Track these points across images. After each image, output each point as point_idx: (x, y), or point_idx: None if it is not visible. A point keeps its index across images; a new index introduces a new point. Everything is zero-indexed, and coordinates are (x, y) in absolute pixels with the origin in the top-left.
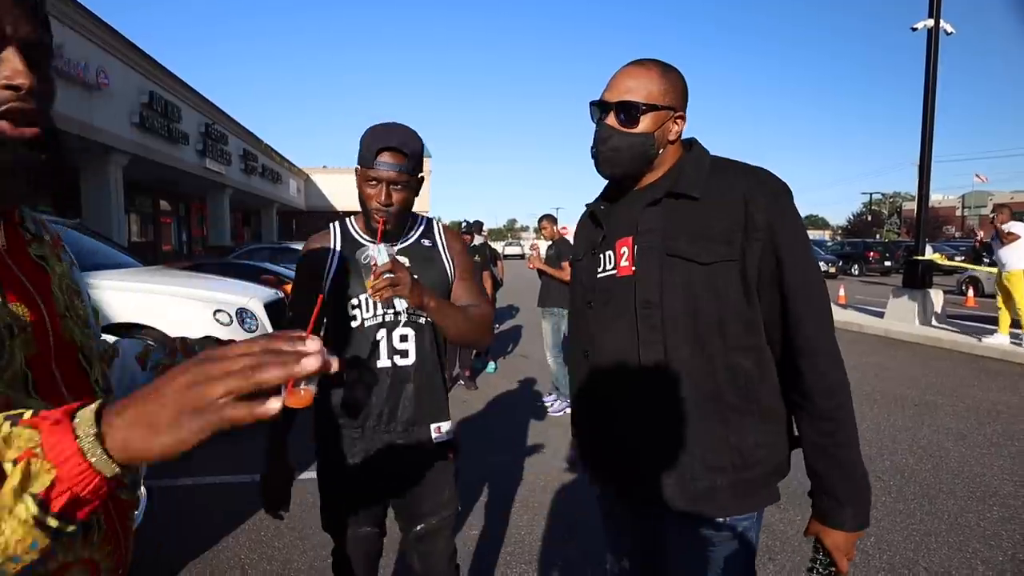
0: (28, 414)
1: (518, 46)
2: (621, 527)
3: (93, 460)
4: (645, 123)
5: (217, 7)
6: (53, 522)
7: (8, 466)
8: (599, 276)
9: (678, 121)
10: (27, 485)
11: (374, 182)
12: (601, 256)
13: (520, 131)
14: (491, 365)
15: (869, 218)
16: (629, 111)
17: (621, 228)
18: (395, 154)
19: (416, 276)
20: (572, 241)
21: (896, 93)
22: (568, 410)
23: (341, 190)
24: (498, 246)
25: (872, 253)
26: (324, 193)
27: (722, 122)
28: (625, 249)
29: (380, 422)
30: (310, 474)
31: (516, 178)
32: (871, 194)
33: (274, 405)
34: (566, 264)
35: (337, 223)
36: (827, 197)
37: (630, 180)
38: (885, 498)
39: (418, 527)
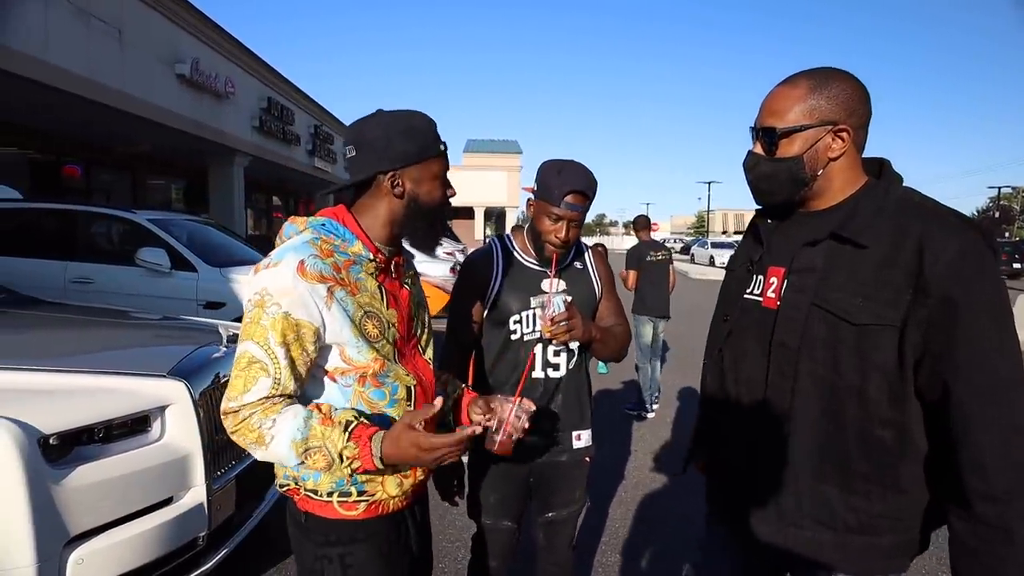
0: (355, 425)
1: (617, 47)
2: (723, 552)
3: (376, 461)
4: (792, 147)
5: (314, 5)
6: (351, 471)
7: (346, 457)
8: (745, 296)
9: (841, 135)
10: (351, 465)
11: (556, 218)
12: (753, 276)
13: (609, 127)
14: (601, 365)
15: (997, 214)
16: (769, 137)
17: (778, 254)
18: (581, 196)
19: (572, 296)
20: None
21: None
22: (651, 414)
23: None
24: (588, 242)
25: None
26: None
27: None
28: (775, 280)
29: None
30: None
31: (606, 174)
32: (999, 188)
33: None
34: (629, 273)
35: (497, 240)
36: (946, 190)
37: (792, 205)
38: None
39: (548, 514)
